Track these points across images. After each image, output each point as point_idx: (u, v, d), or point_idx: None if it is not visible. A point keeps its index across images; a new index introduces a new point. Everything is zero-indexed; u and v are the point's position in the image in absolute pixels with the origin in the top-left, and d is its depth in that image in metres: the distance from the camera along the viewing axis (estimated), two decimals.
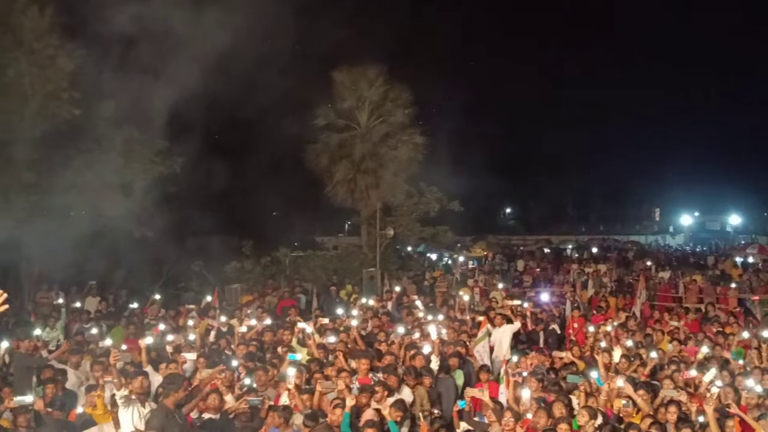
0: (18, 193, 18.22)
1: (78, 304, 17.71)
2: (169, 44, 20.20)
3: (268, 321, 14.47)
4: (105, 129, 19.38)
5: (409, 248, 32.56)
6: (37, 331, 13.33)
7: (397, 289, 20.54)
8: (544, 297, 19.93)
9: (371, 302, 17.80)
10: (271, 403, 9.25)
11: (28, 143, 18.37)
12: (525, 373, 10.70)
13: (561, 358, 12.56)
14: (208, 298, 17.87)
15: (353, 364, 10.49)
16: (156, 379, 9.69)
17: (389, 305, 17.77)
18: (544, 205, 56.92)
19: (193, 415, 8.69)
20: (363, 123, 28.24)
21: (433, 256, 33.43)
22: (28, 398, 8.90)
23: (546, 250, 37.85)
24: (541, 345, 14.65)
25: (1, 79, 17.98)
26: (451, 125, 32.51)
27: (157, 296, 17.86)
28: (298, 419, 8.70)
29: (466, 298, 17.69)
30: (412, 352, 11.06)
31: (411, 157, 27.82)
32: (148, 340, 10.81)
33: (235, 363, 10.64)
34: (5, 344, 11.45)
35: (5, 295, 4.46)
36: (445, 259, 32.64)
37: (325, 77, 27.73)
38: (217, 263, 24.97)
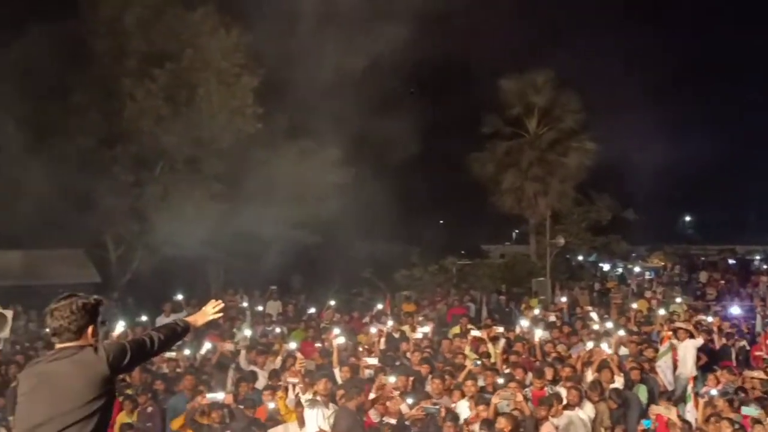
0: (207, 202, 19.58)
1: (260, 308, 18.66)
2: (338, 60, 21.08)
3: (426, 328, 14.52)
4: (283, 141, 20.39)
5: (580, 257, 31.65)
6: (247, 332, 14.18)
7: (564, 299, 20.00)
8: (735, 311, 18.62)
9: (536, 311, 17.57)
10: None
11: (216, 156, 19.73)
12: (714, 392, 10.04)
13: (752, 378, 11.66)
14: (379, 306, 18.24)
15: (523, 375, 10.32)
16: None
17: (551, 316, 17.34)
18: (724, 213, 53.45)
19: (375, 418, 8.89)
20: (531, 130, 27.85)
21: (606, 266, 32.31)
22: (220, 395, 9.49)
23: (731, 261, 35.44)
24: (733, 362, 13.68)
25: (192, 98, 19.45)
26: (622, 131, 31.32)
27: (332, 302, 18.51)
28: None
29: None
30: (595, 365, 10.68)
31: (580, 163, 27.10)
32: (340, 339, 11.23)
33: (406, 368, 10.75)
34: (208, 345, 12.32)
35: (222, 304, 4.80)
36: (619, 269, 31.45)
37: (491, 86, 27.69)
38: (386, 271, 25.52)
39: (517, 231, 37.16)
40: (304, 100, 21.23)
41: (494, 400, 9.08)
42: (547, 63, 27.75)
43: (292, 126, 20.54)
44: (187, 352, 12.21)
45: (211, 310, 4.78)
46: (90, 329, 4.10)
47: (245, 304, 18.25)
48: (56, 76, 18.66)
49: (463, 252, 32.42)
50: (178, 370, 11.56)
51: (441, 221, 34.95)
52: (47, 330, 4.18)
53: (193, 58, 19.42)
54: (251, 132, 19.72)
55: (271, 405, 9.66)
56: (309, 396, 8.83)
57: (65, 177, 18.16)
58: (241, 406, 9.54)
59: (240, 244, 20.44)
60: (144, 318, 15.73)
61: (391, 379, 9.63)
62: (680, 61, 40.68)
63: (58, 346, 4.06)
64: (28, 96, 18.49)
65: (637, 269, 30.13)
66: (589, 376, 10.55)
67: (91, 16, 19.20)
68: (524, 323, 15.24)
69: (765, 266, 29.91)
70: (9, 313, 8.19)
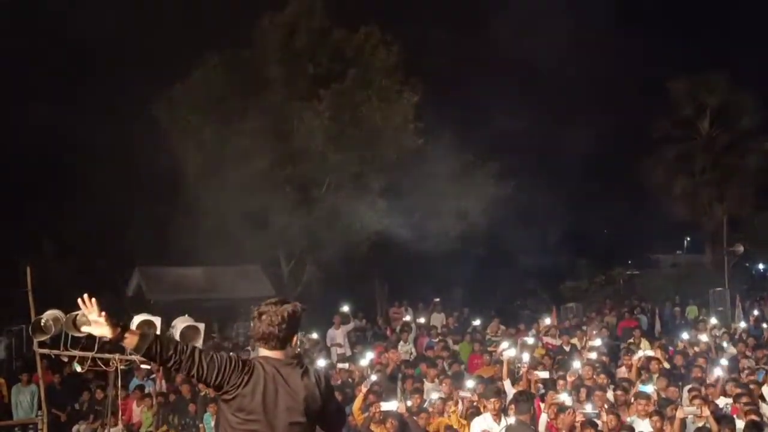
0: (371, 218, 20.14)
1: (423, 320, 18.87)
2: (494, 71, 21.10)
3: (598, 342, 14.05)
4: (445, 155, 20.61)
5: (761, 266, 29.48)
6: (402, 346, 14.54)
7: (756, 312, 18.71)
8: None
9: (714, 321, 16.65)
10: None
11: (380, 172, 20.28)
12: None
13: None
14: (547, 320, 17.89)
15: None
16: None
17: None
18: None
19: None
20: (704, 132, 26.42)
21: None
22: (393, 404, 9.72)
23: None
24: None
25: (355, 116, 20.13)
26: None
27: (496, 314, 18.43)
28: None
29: None
30: None
31: (761, 166, 25.39)
32: (510, 352, 11.22)
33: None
34: (370, 355, 12.69)
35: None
36: None
37: (658, 88, 26.60)
38: (551, 282, 25.06)
39: (688, 239, 35.25)
40: (464, 114, 21.42)
41: (679, 414, 8.70)
42: (719, 63, 26.37)
43: (454, 139, 20.73)
44: (363, 362, 12.57)
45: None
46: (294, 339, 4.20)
47: (409, 318, 18.55)
48: (233, 103, 19.96)
49: (630, 262, 31.22)
50: (350, 379, 11.95)
51: (606, 230, 33.89)
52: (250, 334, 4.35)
53: (355, 77, 20.11)
54: (413, 147, 20.10)
55: (443, 417, 9.78)
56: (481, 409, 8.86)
57: (242, 198, 19.35)
58: (414, 417, 9.73)
59: (402, 257, 20.89)
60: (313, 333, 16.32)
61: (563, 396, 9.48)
62: None
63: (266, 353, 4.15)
64: (209, 122, 19.96)
65: None
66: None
67: (262, 43, 20.38)
68: (704, 338, 14.35)
69: None
70: (201, 326, 8.82)
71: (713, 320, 17.09)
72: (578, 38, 22.27)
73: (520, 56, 22.24)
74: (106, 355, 8.63)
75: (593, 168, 27.90)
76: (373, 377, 11.17)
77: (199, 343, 8.73)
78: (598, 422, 8.72)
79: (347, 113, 19.87)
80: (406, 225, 19.78)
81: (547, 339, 15.23)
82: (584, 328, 16.54)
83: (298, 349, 4.45)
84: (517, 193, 22.43)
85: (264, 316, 4.13)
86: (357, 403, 9.96)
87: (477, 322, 18.04)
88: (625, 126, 28.03)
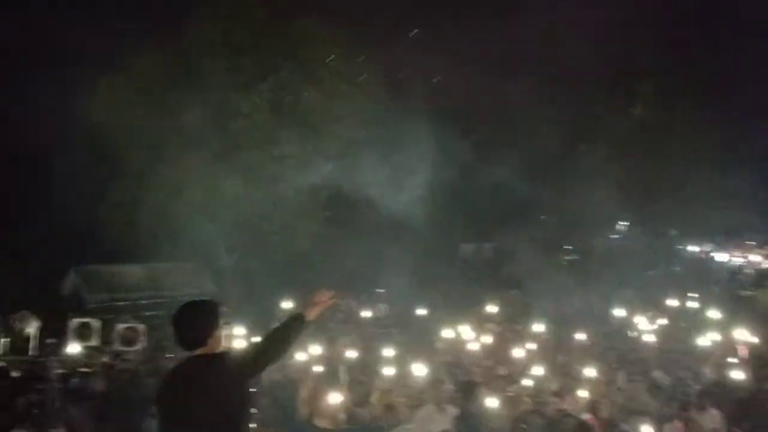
0: (315, 209, 20.02)
1: (368, 311, 18.72)
2: None
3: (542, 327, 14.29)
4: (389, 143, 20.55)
5: (695, 248, 30.54)
6: None
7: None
8: None
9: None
10: None
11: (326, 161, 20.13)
12: None
13: None
14: (489, 307, 18.05)
15: None
16: None
17: None
18: None
19: None
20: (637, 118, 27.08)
21: None
22: (337, 396, 9.78)
23: None
24: None
25: (296, 108, 19.96)
26: None
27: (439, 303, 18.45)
28: None
29: None
30: None
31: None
32: (453, 340, 11.35)
33: None
34: (315, 348, 12.66)
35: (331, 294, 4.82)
36: None
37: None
38: (492, 270, 25.29)
39: (625, 223, 36.05)
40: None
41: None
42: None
43: (397, 130, 20.67)
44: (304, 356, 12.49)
45: (321, 299, 4.79)
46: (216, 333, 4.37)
47: (353, 308, 18.37)
48: (172, 96, 19.56)
49: (570, 247, 31.65)
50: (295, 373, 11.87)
51: (544, 216, 34.27)
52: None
53: (295, 68, 19.98)
54: (358, 137, 20.07)
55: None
56: None
57: (182, 191, 19.05)
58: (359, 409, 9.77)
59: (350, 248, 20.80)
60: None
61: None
62: None
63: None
64: (147, 115, 19.49)
65: None
66: None
67: (201, 35, 20.05)
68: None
69: None
70: (141, 327, 8.71)
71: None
72: None
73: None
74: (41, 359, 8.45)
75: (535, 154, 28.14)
76: (317, 369, 11.16)
77: (140, 346, 8.67)
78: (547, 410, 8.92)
79: (287, 105, 19.74)
80: (350, 216, 19.81)
81: (489, 326, 15.40)
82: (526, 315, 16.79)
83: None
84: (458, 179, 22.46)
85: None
86: (302, 396, 9.94)
87: (421, 311, 18.07)
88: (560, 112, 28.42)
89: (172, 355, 12.26)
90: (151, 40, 19.70)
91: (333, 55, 20.18)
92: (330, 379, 11.17)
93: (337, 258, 22.02)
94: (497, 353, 12.87)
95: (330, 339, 13.75)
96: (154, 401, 4.42)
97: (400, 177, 20.60)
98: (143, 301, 18.66)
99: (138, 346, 10.55)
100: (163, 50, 19.75)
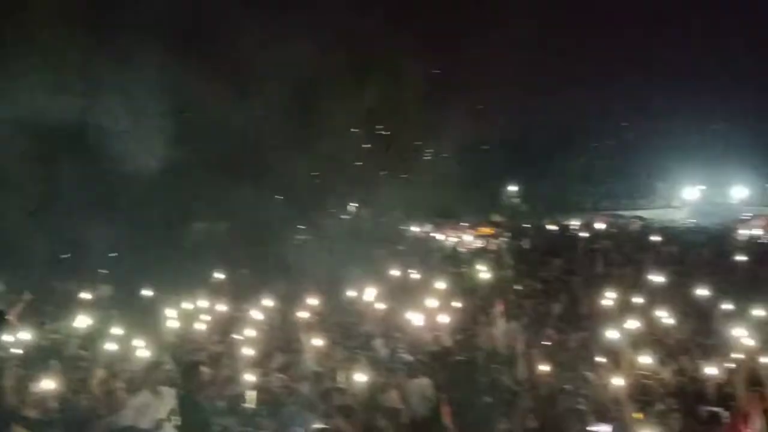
0: None
1: None
2: None
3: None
4: None
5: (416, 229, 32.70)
6: None
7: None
8: None
9: None
10: None
11: None
12: None
13: None
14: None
15: None
16: None
17: None
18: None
19: None
20: None
21: None
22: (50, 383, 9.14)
23: None
24: None
25: None
26: None
27: None
28: None
29: None
30: None
31: None
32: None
33: None
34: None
35: None
36: None
37: None
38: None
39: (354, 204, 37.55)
40: None
41: None
42: None
43: None
44: None
45: None
46: None
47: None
48: None
49: (301, 227, 32.35)
50: None
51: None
52: None
53: None
54: None
55: None
56: None
57: None
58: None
59: None
60: None
61: None
62: None
63: None
64: None
65: None
66: None
67: None
68: None
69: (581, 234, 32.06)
70: None
71: None
72: None
73: None
74: None
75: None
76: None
77: None
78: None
79: None
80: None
81: (217, 306, 15.22)
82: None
83: None
84: None
85: None
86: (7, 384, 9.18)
87: (147, 292, 17.31)
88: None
89: None
90: None
91: None
92: (41, 365, 10.40)
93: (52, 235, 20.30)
94: (224, 333, 12.81)
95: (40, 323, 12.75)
96: None
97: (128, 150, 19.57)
98: None
99: None
100: None
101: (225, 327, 13.42)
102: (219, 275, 18.01)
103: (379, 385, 10.63)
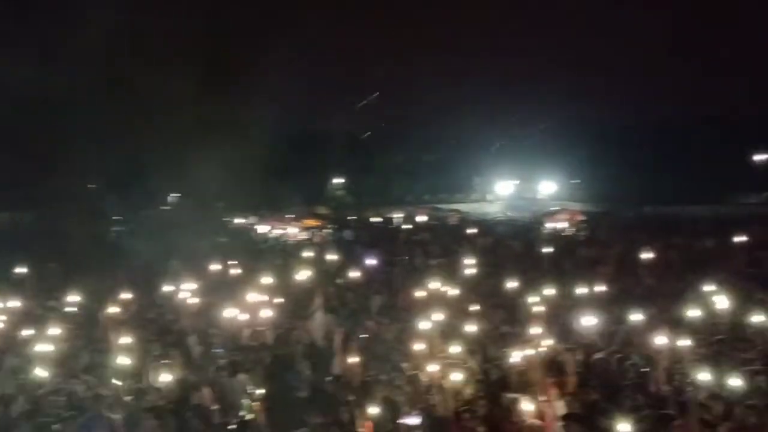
0: None
1: None
2: None
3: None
4: None
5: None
6: None
7: None
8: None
9: None
10: None
11: None
12: None
13: None
14: None
15: None
16: None
17: None
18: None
19: None
20: None
21: None
22: None
23: None
24: None
25: None
26: None
27: None
28: None
29: None
30: None
31: None
32: None
33: None
34: None
35: None
36: None
37: None
38: None
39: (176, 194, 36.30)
40: None
41: None
42: None
43: None
44: None
45: None
46: None
47: None
48: None
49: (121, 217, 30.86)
50: None
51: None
52: None
53: None
54: None
55: None
56: None
57: None
58: None
59: None
60: None
61: None
62: None
63: None
64: None
65: None
66: None
67: None
68: None
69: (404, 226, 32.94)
70: None
71: None
72: None
73: None
74: None
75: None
76: None
77: None
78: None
79: None
80: None
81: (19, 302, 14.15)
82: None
83: None
84: None
85: None
86: None
87: None
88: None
89: None
90: None
91: None
92: None
93: None
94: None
95: None
96: None
97: None
98: None
99: None
100: None
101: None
102: (22, 269, 16.73)
103: (190, 384, 10.35)
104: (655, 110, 43.05)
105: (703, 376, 9.31)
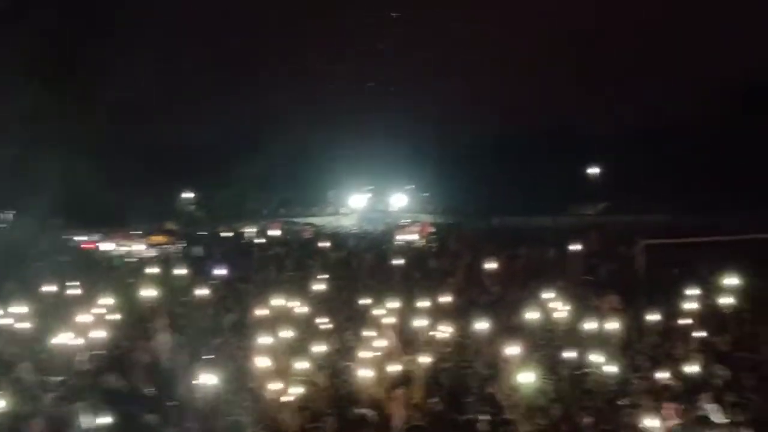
0: None
1: None
2: None
3: None
4: None
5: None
6: None
7: None
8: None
9: None
10: None
11: None
12: None
13: None
14: None
15: None
16: None
17: None
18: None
19: None
20: None
21: None
22: None
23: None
24: None
25: None
26: None
27: None
28: None
29: None
30: None
31: None
32: None
33: None
34: None
35: None
36: None
37: None
38: None
39: None
40: None
41: None
42: None
43: None
44: None
45: None
46: None
47: None
48: None
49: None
50: None
51: None
52: None
53: None
54: None
55: None
56: None
57: None
58: None
59: None
60: None
61: None
62: None
63: None
64: None
65: None
66: None
67: None
68: None
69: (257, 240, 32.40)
70: None
71: None
72: None
73: None
74: None
75: None
76: None
77: None
78: None
79: None
80: None
81: None
82: None
83: None
84: None
85: None
86: None
87: None
88: None
89: None
90: None
91: None
92: None
93: None
94: None
95: None
96: None
97: None
98: None
99: None
100: None
101: None
102: None
103: (23, 414, 9.63)
104: (499, 126, 44.82)
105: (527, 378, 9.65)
